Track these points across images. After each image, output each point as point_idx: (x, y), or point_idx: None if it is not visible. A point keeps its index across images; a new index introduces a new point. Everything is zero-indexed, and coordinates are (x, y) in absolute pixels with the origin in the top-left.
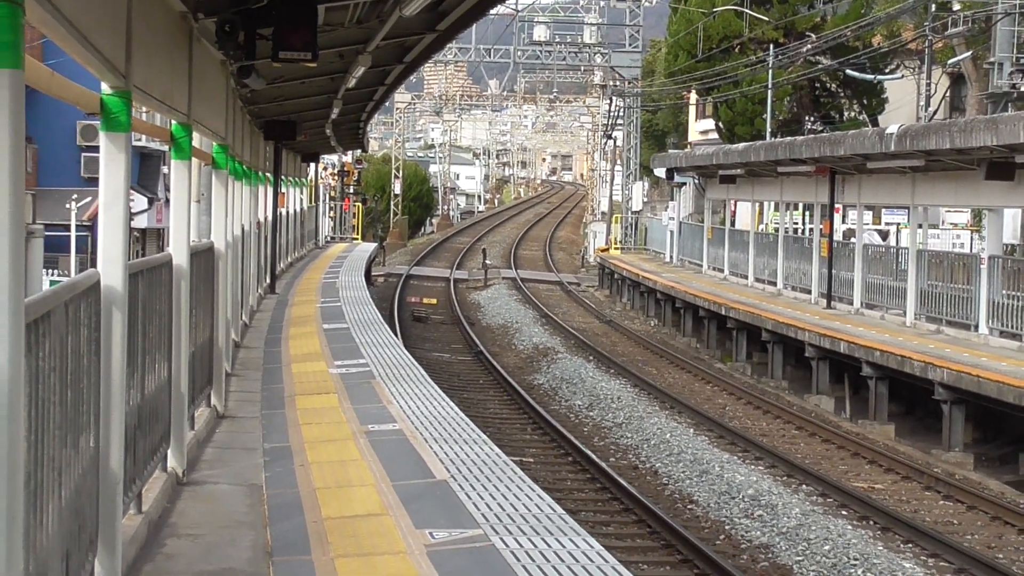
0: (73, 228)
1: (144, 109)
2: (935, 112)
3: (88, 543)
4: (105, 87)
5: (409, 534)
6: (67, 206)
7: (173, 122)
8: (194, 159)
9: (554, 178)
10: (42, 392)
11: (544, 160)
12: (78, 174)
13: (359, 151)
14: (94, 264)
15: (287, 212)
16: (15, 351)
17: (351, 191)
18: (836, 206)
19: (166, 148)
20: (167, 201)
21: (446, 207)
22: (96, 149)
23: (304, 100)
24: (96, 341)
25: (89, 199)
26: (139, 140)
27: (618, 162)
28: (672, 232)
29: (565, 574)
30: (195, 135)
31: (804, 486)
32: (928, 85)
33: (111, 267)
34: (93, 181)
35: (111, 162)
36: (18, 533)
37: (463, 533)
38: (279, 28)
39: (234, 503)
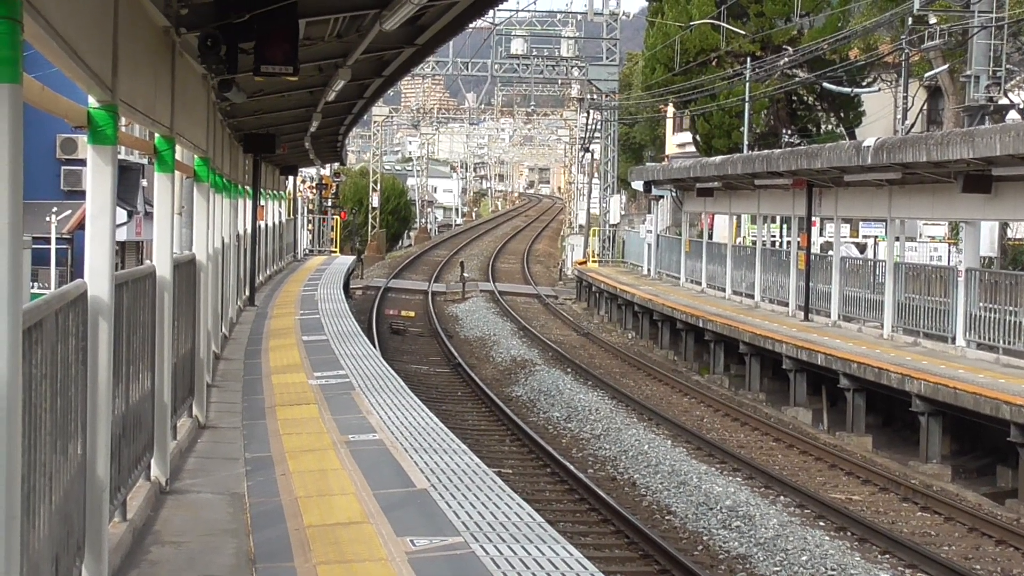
0: (53, 241)
1: (124, 121)
2: (912, 125)
3: (76, 548)
4: (92, 101)
5: (390, 541)
6: (47, 219)
7: (156, 135)
8: (176, 172)
9: (532, 191)
10: (35, 398)
11: (522, 173)
12: (58, 187)
13: (337, 164)
14: (74, 277)
15: (266, 225)
16: (13, 357)
17: (328, 204)
18: (813, 219)
19: (145, 161)
20: (147, 214)
21: (424, 220)
22: (76, 162)
23: (284, 113)
24: (83, 350)
25: (69, 212)
26: (119, 153)
27: (595, 175)
28: (650, 245)
29: None
30: (177, 148)
31: (782, 497)
32: (905, 98)
33: (98, 278)
34: (73, 194)
35: (98, 174)
36: (16, 534)
37: (443, 541)
38: (260, 42)
39: (217, 511)
